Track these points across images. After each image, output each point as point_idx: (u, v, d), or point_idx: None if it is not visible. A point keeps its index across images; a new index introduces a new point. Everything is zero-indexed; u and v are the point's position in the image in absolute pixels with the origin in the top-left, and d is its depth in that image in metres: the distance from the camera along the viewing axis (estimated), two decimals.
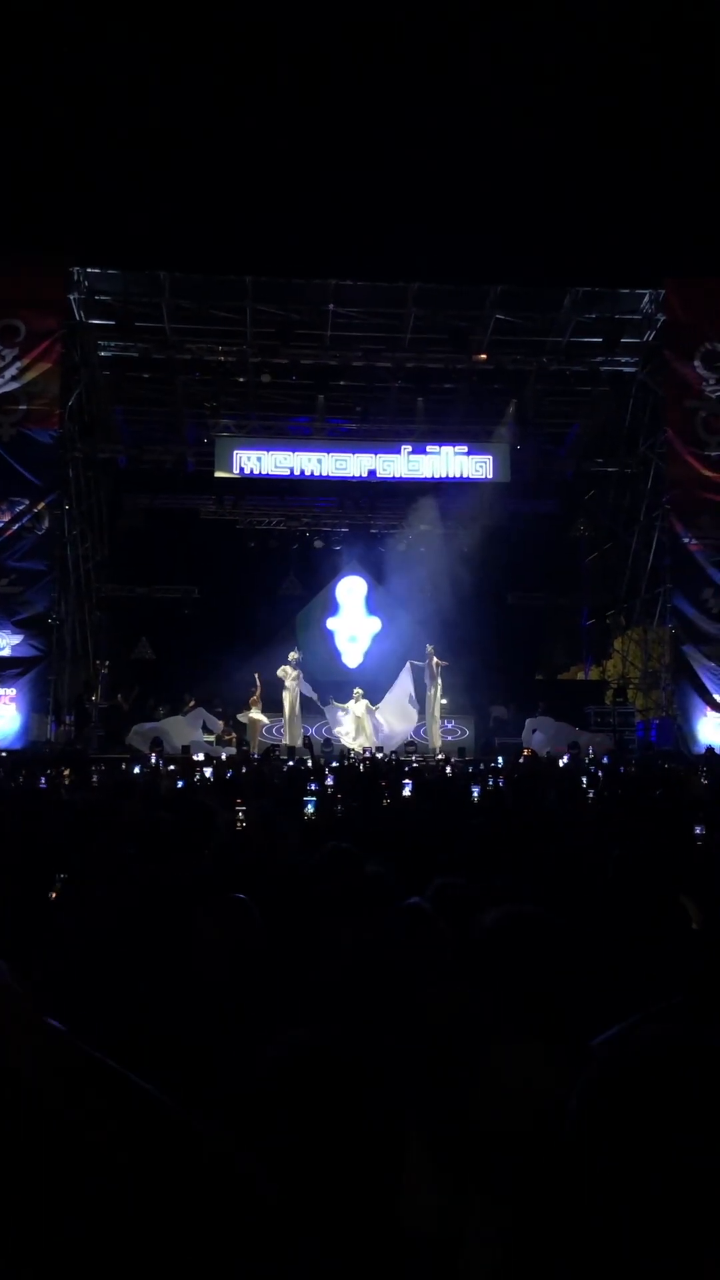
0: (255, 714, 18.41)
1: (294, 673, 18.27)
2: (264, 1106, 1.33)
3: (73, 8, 19.00)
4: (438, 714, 18.75)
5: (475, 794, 7.86)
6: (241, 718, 18.68)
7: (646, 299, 19.11)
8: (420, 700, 18.79)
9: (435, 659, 18.60)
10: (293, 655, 18.57)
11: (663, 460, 19.05)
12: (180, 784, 8.85)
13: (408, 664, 19.01)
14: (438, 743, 18.34)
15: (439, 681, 18.58)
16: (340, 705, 18.83)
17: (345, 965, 2.66)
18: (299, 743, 17.54)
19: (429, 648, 18.78)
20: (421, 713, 18.87)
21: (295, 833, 5.89)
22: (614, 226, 18.99)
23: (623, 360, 19.73)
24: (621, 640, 21.94)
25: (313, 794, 6.91)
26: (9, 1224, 0.83)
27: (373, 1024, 2.06)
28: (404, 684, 18.97)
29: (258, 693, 18.29)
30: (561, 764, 13.09)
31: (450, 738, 19.30)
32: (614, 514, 21.40)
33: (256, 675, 18.26)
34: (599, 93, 20.11)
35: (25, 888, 3.81)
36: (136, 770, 11.23)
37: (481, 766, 13.28)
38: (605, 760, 13.92)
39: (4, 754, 14.38)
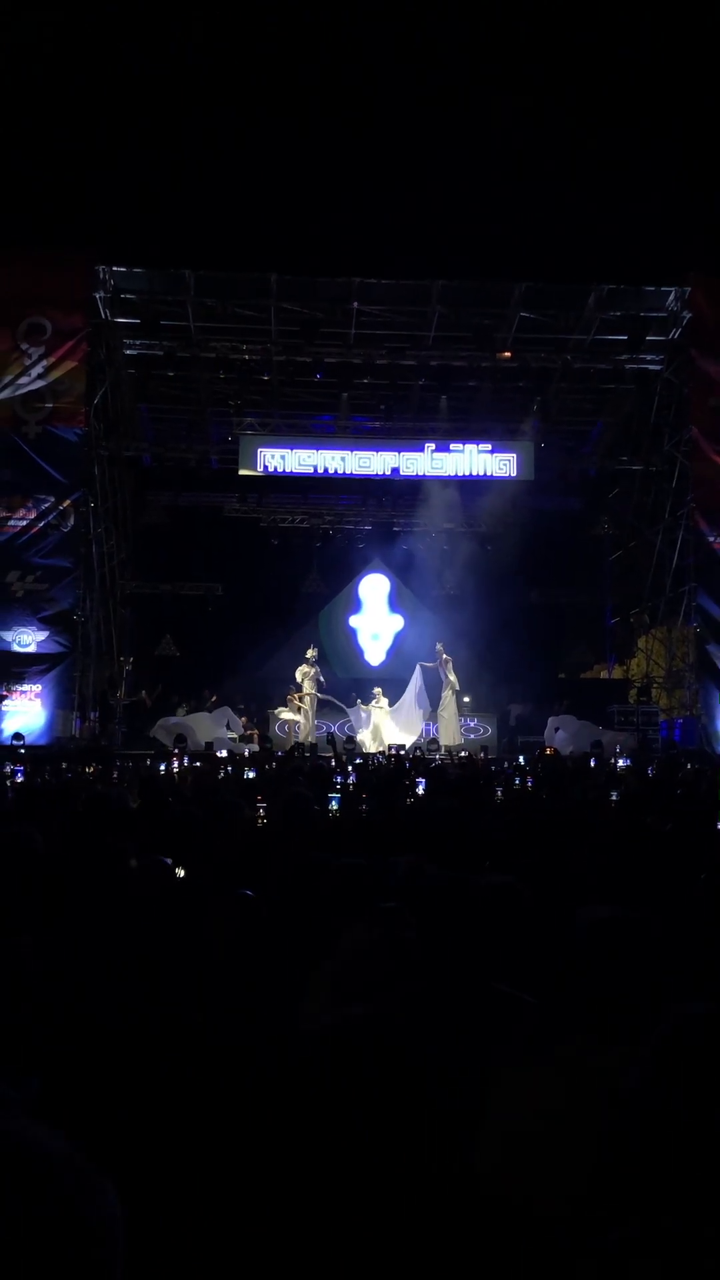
0: (287, 713, 18.57)
1: (311, 671, 18.40)
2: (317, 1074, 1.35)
3: (93, 5, 19.05)
4: (452, 713, 18.72)
5: (499, 793, 7.86)
6: (279, 714, 18.82)
7: (672, 296, 19.00)
8: (433, 699, 18.82)
9: (445, 655, 18.64)
10: (310, 653, 18.69)
11: (688, 458, 18.95)
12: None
13: (418, 666, 19.05)
14: (450, 741, 18.27)
15: (453, 678, 18.57)
16: (365, 707, 18.93)
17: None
18: (313, 739, 17.65)
19: (438, 645, 18.82)
20: (433, 711, 18.89)
21: (319, 829, 5.93)
22: (640, 223, 18.84)
23: (648, 358, 19.63)
24: (645, 639, 21.84)
25: (337, 791, 6.95)
26: None
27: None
28: (414, 686, 19.04)
29: (306, 694, 18.49)
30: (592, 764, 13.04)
31: (472, 735, 19.28)
32: (638, 512, 21.31)
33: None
34: (626, 87, 19.97)
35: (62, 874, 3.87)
36: (161, 767, 11.30)
37: (505, 765, 13.28)
38: (626, 762, 13.85)
39: (22, 749, 14.45)
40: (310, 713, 18.52)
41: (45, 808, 6.61)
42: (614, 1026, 1.76)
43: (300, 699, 18.59)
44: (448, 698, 18.60)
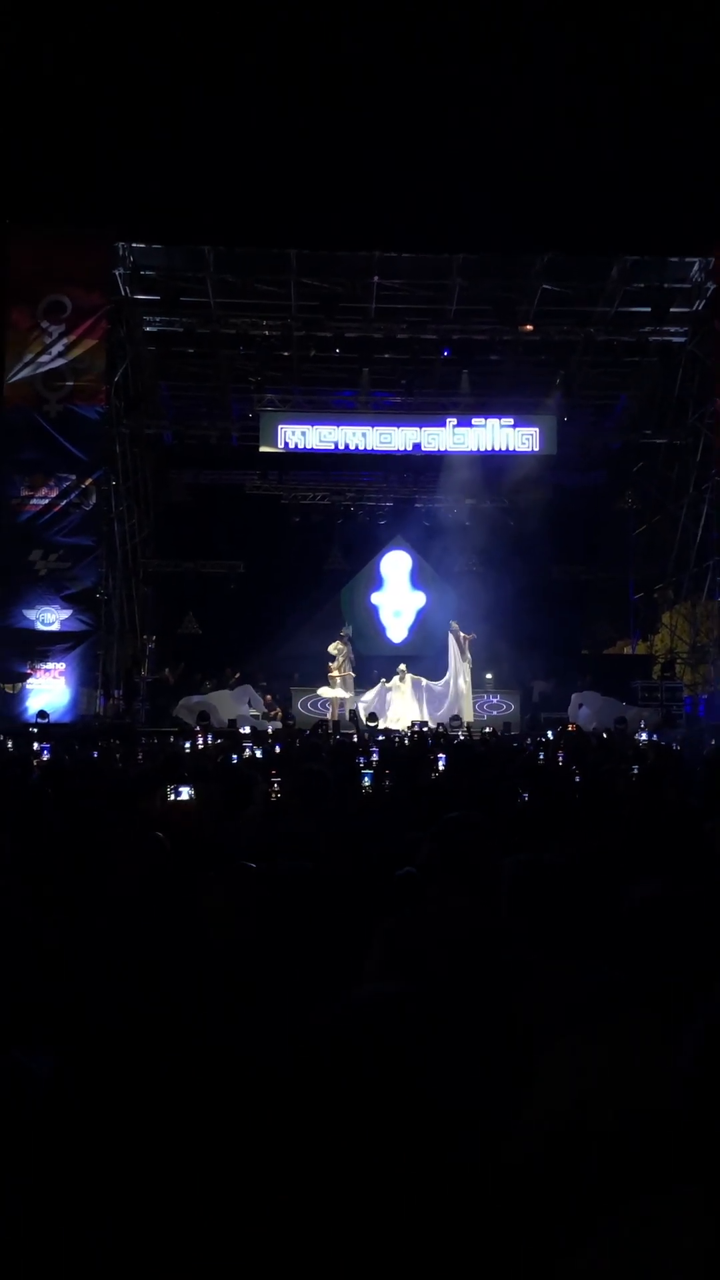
0: (327, 690, 18.67)
1: (345, 649, 18.50)
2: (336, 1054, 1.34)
3: None
4: (467, 689, 18.72)
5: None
6: (323, 692, 18.89)
7: (696, 267, 18.73)
8: (452, 679, 18.84)
9: (461, 634, 18.63)
10: (344, 631, 18.78)
11: (712, 432, 18.77)
12: (234, 758, 8.92)
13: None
14: (469, 717, 18.26)
15: (468, 656, 18.60)
16: (387, 685, 18.94)
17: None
18: (348, 717, 17.71)
19: (453, 624, 18.82)
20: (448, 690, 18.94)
21: (345, 807, 5.92)
22: (663, 193, 18.59)
23: (671, 330, 19.39)
24: (669, 614, 21.71)
25: (367, 767, 6.94)
26: None
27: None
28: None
29: (336, 669, 18.56)
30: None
31: (495, 712, 19.28)
32: (662, 486, 21.12)
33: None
34: (648, 56, 19.67)
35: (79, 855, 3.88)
36: (186, 746, 11.34)
37: (529, 742, 13.26)
38: (648, 737, 13.76)
39: (33, 729, 14.54)
40: (348, 688, 18.67)
41: (70, 786, 6.63)
42: (664, 1002, 1.74)
43: (338, 674, 18.66)
44: (463, 674, 18.62)
